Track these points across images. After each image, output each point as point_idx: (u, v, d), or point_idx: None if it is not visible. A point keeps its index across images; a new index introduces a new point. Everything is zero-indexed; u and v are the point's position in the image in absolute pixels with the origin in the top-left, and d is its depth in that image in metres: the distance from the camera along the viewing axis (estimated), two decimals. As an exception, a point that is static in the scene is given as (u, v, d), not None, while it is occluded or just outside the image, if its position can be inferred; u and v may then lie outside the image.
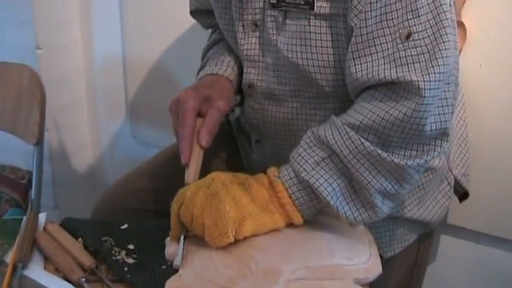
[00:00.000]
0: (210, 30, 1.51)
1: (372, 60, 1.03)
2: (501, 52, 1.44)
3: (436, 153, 1.06)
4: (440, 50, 1.00)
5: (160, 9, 2.07)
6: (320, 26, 1.10)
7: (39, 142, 1.65)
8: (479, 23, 1.45)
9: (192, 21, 1.54)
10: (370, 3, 1.01)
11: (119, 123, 2.38)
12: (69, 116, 2.40)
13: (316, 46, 1.12)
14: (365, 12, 1.02)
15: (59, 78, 2.30)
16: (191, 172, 1.11)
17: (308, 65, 1.14)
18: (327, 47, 1.11)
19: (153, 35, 2.12)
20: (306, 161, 1.05)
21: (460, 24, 1.44)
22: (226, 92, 1.23)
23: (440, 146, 1.07)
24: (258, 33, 1.22)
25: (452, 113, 1.07)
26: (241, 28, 1.23)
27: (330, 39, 1.11)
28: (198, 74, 1.35)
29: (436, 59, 1.00)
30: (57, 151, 2.37)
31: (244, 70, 1.27)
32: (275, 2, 1.14)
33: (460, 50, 1.45)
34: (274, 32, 1.17)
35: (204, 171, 1.12)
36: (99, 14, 2.33)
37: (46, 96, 1.67)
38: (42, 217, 1.20)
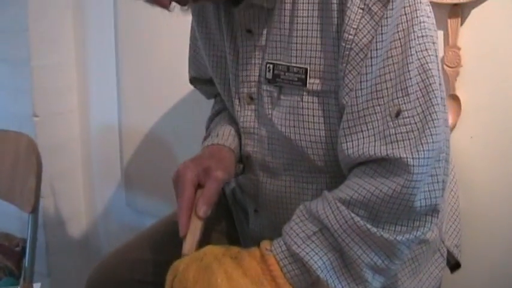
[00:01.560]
0: (207, 101, 1.54)
1: (363, 137, 1.05)
2: (492, 124, 1.47)
3: (426, 229, 1.06)
4: (429, 128, 1.01)
5: (157, 79, 2.10)
6: (312, 102, 1.13)
7: (34, 210, 1.66)
8: (471, 96, 1.48)
9: (188, 91, 1.57)
10: (361, 81, 1.03)
11: (114, 191, 2.38)
12: (64, 184, 2.40)
13: (308, 122, 1.14)
14: (356, 90, 1.04)
15: (55, 146, 2.32)
16: (188, 244, 1.11)
17: (300, 140, 1.16)
18: (318, 123, 1.13)
19: (150, 104, 2.15)
20: (297, 235, 1.05)
21: (455, 98, 1.47)
22: (226, 162, 1.24)
23: (431, 222, 1.07)
24: (253, 106, 1.24)
25: (443, 189, 1.07)
26: (238, 101, 1.26)
27: (322, 115, 1.13)
28: (202, 144, 1.36)
29: (425, 136, 1.01)
30: (51, 218, 2.37)
31: (242, 141, 1.29)
32: (270, 77, 1.17)
33: (455, 123, 1.47)
34: (269, 106, 1.19)
35: (202, 243, 1.12)
36: (96, 82, 2.36)
37: (42, 164, 1.68)
38: (36, 288, 1.20)
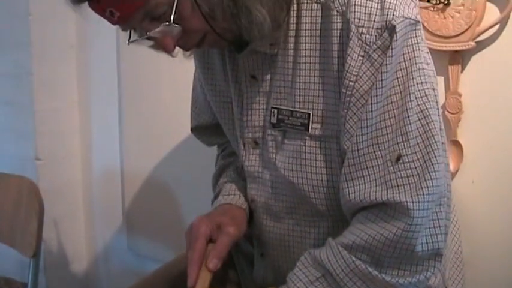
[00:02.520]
0: (209, 146, 1.55)
1: (364, 183, 1.05)
2: (493, 170, 1.47)
3: (430, 273, 1.06)
4: (429, 172, 1.02)
5: (158, 124, 2.11)
6: (314, 147, 1.13)
7: (35, 254, 1.65)
8: (473, 141, 1.49)
9: (190, 135, 1.57)
10: (361, 127, 1.04)
11: (115, 235, 2.38)
12: (65, 227, 2.40)
13: (310, 166, 1.14)
14: (356, 136, 1.05)
15: (56, 189, 2.33)
16: None
17: (303, 184, 1.16)
18: (320, 167, 1.14)
19: (151, 148, 2.16)
20: (300, 280, 1.06)
21: (456, 144, 1.48)
22: (238, 219, 1.26)
23: (434, 267, 1.06)
24: (258, 151, 1.25)
25: (446, 234, 1.08)
26: (243, 146, 1.27)
27: (324, 159, 1.13)
28: (212, 203, 1.39)
29: (426, 180, 1.02)
30: (52, 261, 2.36)
31: (247, 185, 1.30)
32: (275, 122, 1.18)
33: (457, 170, 1.48)
34: (273, 150, 1.20)
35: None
36: (99, 126, 2.37)
37: (44, 208, 1.68)
38: (36, 333, 1.20)
